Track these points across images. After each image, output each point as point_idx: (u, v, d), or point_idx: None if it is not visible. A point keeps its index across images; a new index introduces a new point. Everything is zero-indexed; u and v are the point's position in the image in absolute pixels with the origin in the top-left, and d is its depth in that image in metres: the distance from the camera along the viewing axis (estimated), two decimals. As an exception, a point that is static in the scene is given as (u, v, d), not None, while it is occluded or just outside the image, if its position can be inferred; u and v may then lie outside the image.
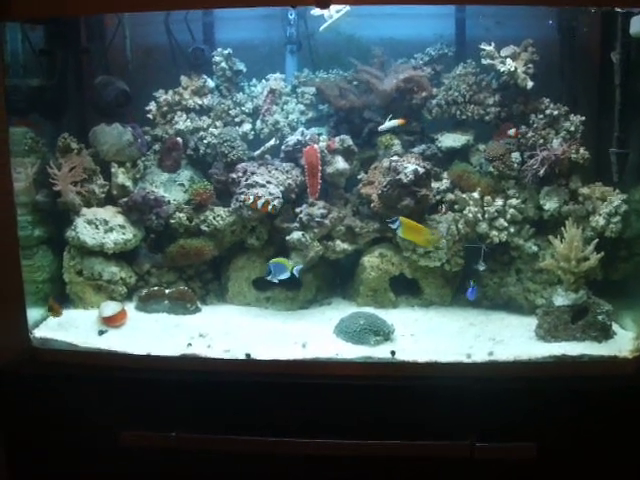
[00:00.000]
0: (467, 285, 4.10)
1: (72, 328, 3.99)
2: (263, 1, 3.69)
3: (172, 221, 4.40)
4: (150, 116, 4.62)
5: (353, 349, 3.72)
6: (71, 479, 3.74)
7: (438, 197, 4.37)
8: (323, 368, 3.63)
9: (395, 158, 4.27)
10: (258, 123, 4.60)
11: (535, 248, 4.21)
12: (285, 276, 4.07)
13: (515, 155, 4.23)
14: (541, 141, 4.18)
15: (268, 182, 4.29)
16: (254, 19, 4.58)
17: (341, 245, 4.37)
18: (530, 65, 4.24)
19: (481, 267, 4.16)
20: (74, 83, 4.58)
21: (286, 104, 4.63)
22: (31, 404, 3.68)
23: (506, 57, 4.24)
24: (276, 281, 4.10)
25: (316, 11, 4.16)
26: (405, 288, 4.45)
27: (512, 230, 4.20)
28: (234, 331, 3.99)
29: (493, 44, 4.26)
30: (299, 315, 4.34)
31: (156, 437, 3.54)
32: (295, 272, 4.08)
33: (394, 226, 4.06)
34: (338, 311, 4.28)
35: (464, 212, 4.23)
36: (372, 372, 3.63)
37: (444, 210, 4.24)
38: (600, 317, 3.73)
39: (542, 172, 4.06)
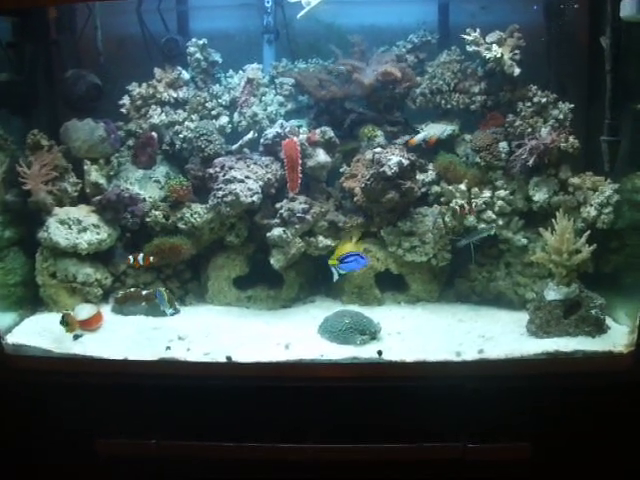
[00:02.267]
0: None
1: (46, 333, 3.88)
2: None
3: (148, 219, 4.30)
4: (123, 110, 4.51)
5: (338, 349, 3.64)
6: (46, 491, 3.64)
7: (424, 189, 4.28)
8: (307, 370, 3.55)
9: (378, 150, 4.19)
10: (235, 116, 4.51)
11: (525, 241, 4.14)
12: (169, 313, 4.07)
13: (502, 145, 4.16)
14: (529, 130, 4.11)
15: (247, 177, 4.18)
16: (230, 8, 4.50)
17: (324, 241, 4.27)
18: (517, 51, 4.16)
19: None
20: (44, 77, 4.48)
21: (264, 95, 4.53)
22: (3, 413, 3.58)
23: (492, 43, 4.16)
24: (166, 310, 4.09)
25: (293, -3, 4.08)
26: (391, 284, 4.38)
27: (501, 222, 4.13)
28: (214, 333, 3.90)
29: (478, 30, 4.17)
30: (282, 314, 4.26)
31: (136, 445, 3.45)
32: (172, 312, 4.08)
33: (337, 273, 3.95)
34: (322, 309, 4.20)
35: (451, 205, 4.14)
36: (359, 373, 3.54)
37: (472, 211, 4.13)
38: (593, 311, 3.66)
39: (532, 162, 3.97)
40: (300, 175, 4.21)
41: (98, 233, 4.22)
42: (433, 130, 4.33)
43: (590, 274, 3.92)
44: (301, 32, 4.51)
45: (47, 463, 3.59)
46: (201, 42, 4.43)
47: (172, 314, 4.07)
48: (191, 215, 4.27)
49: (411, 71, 4.39)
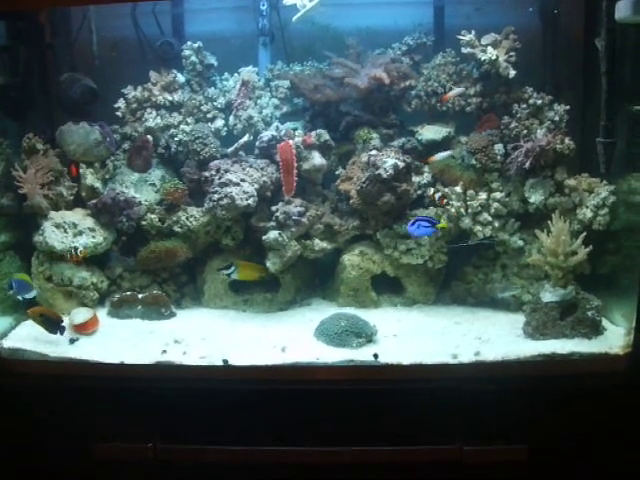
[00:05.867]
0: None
1: (42, 337, 3.84)
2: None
3: (143, 223, 4.29)
4: (119, 114, 4.50)
5: (334, 352, 3.62)
6: (43, 497, 3.63)
7: (419, 192, 4.27)
8: (303, 373, 3.54)
9: (374, 152, 4.18)
10: (231, 119, 4.50)
11: (521, 243, 4.14)
12: (31, 295, 3.94)
13: (498, 147, 4.15)
14: (525, 132, 4.10)
15: (242, 180, 4.18)
16: (225, 10, 4.50)
17: (320, 244, 4.26)
18: (512, 53, 4.15)
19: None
20: (39, 81, 4.45)
21: (260, 98, 4.53)
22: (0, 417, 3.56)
23: (487, 45, 4.15)
24: (20, 298, 3.93)
25: (288, 0, 4.05)
26: (387, 287, 4.37)
27: (497, 224, 4.12)
28: (211, 336, 3.89)
29: (473, 32, 4.17)
30: (278, 317, 4.24)
31: (132, 449, 3.44)
32: (34, 293, 3.99)
33: (229, 272, 4.08)
34: (318, 312, 4.18)
35: (447, 207, 4.12)
36: (354, 376, 3.53)
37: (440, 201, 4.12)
38: (589, 313, 3.64)
39: (527, 164, 3.96)
40: (295, 178, 4.19)
41: (94, 237, 4.21)
42: (426, 131, 4.35)
43: (586, 276, 3.91)
44: (297, 35, 4.51)
45: (43, 467, 3.57)
46: (196, 45, 4.43)
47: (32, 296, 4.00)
48: (187, 218, 4.27)
49: (409, 69, 4.38)
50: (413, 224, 3.91)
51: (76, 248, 4.05)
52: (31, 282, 3.98)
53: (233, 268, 4.07)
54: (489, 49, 4.13)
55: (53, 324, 3.78)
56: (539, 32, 4.27)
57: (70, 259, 4.09)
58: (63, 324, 3.80)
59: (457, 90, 4.24)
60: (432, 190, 4.13)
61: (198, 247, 4.39)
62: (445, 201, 4.08)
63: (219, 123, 4.49)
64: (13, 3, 3.55)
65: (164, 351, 3.64)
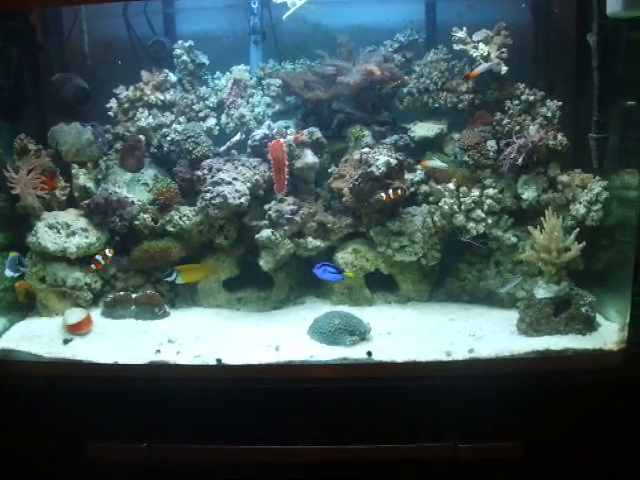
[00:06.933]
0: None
1: (36, 338, 3.86)
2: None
3: (136, 222, 4.29)
4: (111, 113, 4.50)
5: (328, 350, 3.62)
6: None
7: (412, 189, 4.27)
8: (297, 371, 3.53)
9: (366, 150, 4.17)
10: (223, 117, 4.48)
11: (514, 239, 4.14)
12: (9, 275, 3.98)
13: (491, 143, 4.14)
14: (517, 128, 4.10)
15: (234, 179, 4.17)
16: (216, 9, 4.50)
17: (313, 242, 4.25)
18: (504, 49, 4.15)
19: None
20: (31, 81, 4.45)
21: (252, 97, 4.52)
22: (-6, 419, 3.56)
23: (479, 42, 4.15)
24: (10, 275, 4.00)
25: (278, -2, 4.07)
26: (381, 284, 4.36)
27: (490, 221, 4.13)
28: (204, 335, 3.89)
29: (465, 29, 4.17)
30: (272, 316, 4.24)
31: (127, 449, 3.45)
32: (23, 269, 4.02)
33: (172, 278, 4.04)
34: (312, 311, 4.19)
35: (440, 204, 4.13)
36: (348, 374, 3.53)
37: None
38: (583, 309, 3.64)
39: (520, 161, 3.95)
40: (287, 176, 4.18)
41: (87, 237, 4.20)
42: (419, 128, 4.34)
43: (580, 271, 3.91)
44: (288, 33, 4.50)
45: (38, 467, 3.57)
46: (188, 44, 4.42)
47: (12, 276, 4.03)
48: (180, 218, 4.26)
49: (399, 70, 4.37)
50: (319, 268, 3.93)
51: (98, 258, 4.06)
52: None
53: (175, 274, 4.04)
54: (481, 45, 4.13)
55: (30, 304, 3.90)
56: (531, 28, 4.25)
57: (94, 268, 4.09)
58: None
59: (484, 66, 4.16)
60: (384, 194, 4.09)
61: (191, 246, 4.39)
62: (399, 193, 4.06)
63: (211, 122, 4.47)
64: (9, 3, 3.55)
65: (158, 351, 3.64)
